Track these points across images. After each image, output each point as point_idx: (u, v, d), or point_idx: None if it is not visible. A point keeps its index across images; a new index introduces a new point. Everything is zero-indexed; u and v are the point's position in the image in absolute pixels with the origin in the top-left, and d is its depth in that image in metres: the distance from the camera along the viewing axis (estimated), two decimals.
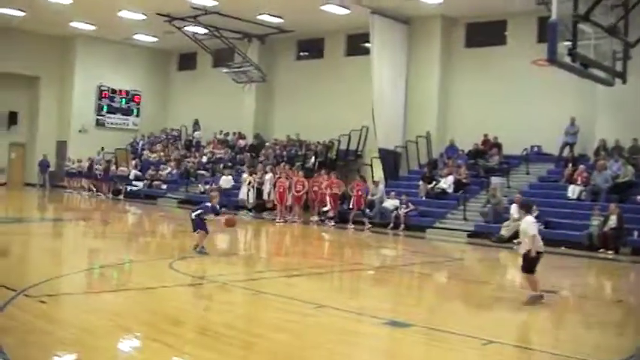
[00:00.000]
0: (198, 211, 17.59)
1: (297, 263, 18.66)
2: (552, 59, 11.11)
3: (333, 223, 29.53)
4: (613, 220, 23.88)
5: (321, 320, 10.89)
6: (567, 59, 11.39)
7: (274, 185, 32.02)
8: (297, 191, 31.01)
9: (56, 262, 16.12)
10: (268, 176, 32.82)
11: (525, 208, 13.88)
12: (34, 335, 8.77)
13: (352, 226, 28.80)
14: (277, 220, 30.51)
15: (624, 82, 13.16)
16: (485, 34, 33.83)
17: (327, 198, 30.26)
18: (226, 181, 35.29)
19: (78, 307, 10.75)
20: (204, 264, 16.73)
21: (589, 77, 12.58)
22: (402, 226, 28.18)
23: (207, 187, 34.27)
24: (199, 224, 17.59)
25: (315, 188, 31.02)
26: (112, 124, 47.22)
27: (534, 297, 12.91)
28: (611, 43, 12.87)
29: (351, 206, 29.74)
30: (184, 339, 9.16)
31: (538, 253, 12.88)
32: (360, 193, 29.74)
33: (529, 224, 13.00)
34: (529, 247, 12.77)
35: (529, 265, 12.96)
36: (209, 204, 17.92)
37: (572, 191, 27.27)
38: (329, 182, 30.61)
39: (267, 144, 40.37)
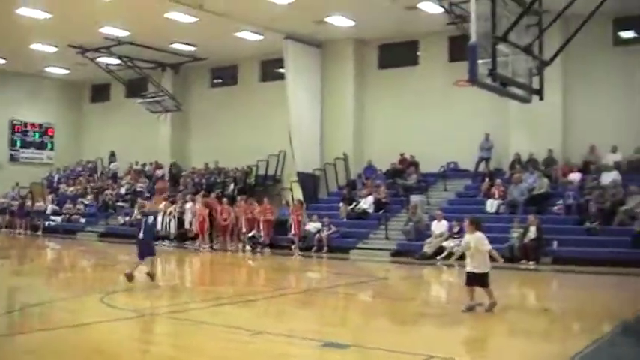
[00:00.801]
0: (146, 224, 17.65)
1: (227, 291, 18.67)
2: (473, 80, 11.45)
3: (260, 249, 29.51)
4: (532, 231, 24.51)
5: (260, 346, 10.95)
6: (487, 79, 11.73)
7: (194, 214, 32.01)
8: (224, 220, 30.92)
9: None
10: (189, 205, 32.74)
11: (475, 225, 14.03)
12: None
13: (280, 251, 28.87)
14: (201, 249, 30.42)
15: (541, 98, 13.64)
16: (398, 55, 34.44)
17: (261, 224, 30.40)
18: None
19: (12, 349, 10.56)
20: (136, 296, 16.67)
21: (508, 95, 12.99)
22: (326, 248, 28.37)
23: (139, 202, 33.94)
24: (147, 249, 17.59)
25: (249, 215, 30.97)
26: (26, 158, 46.48)
27: (491, 304, 13.68)
28: (527, 61, 13.29)
29: (293, 232, 29.76)
30: None
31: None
32: (299, 218, 29.80)
33: (481, 240, 13.49)
34: (489, 263, 13.51)
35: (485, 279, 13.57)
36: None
37: (491, 205, 27.88)
38: (262, 209, 30.70)
39: (183, 173, 40.19)
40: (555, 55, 13.55)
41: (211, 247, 30.64)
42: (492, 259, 13.71)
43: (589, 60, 28.79)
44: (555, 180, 28.20)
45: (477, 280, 13.55)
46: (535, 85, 13.98)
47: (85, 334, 11.64)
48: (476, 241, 13.51)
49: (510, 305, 16.38)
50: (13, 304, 15.70)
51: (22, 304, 15.31)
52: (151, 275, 17.94)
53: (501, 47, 12.23)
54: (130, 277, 17.62)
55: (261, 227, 30.48)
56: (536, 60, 13.31)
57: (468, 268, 13.58)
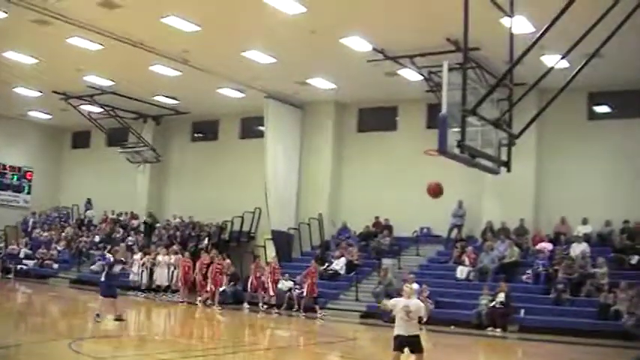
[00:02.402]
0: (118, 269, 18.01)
1: (196, 344, 18.81)
2: (442, 150, 11.78)
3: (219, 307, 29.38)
4: (501, 298, 24.79)
5: None
6: (456, 150, 12.07)
7: (174, 266, 32.10)
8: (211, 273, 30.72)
9: None
10: (162, 257, 32.77)
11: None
12: None
13: (248, 307, 28.93)
14: (180, 301, 30.52)
15: (509, 170, 13.96)
16: (377, 119, 34.97)
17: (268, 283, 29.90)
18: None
19: None
20: (105, 344, 16.79)
21: (476, 166, 13.33)
22: (297, 307, 28.43)
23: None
24: (109, 289, 17.88)
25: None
26: (1, 200, 46.38)
27: None
28: (497, 133, 13.66)
29: (271, 292, 29.46)
30: None
31: None
32: (276, 277, 29.75)
33: (421, 307, 12.95)
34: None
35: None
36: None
37: (461, 272, 28.20)
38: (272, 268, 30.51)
39: (157, 225, 40.30)
40: (525, 129, 13.92)
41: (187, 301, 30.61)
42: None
43: (563, 133, 29.40)
44: (526, 249, 28.56)
45: (410, 343, 12.79)
46: (504, 156, 14.33)
47: None
48: (416, 307, 12.82)
49: None
50: None
51: None
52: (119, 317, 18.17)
53: (473, 120, 12.59)
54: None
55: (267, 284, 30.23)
56: (506, 132, 13.69)
57: (401, 332, 12.77)
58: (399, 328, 12.71)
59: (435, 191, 13.33)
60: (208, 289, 29.79)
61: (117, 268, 18.57)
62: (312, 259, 30.41)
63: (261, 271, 30.14)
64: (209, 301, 29.47)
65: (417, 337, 12.86)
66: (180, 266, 31.56)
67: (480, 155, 13.14)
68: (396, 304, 12.88)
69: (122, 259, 20.81)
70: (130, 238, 38.73)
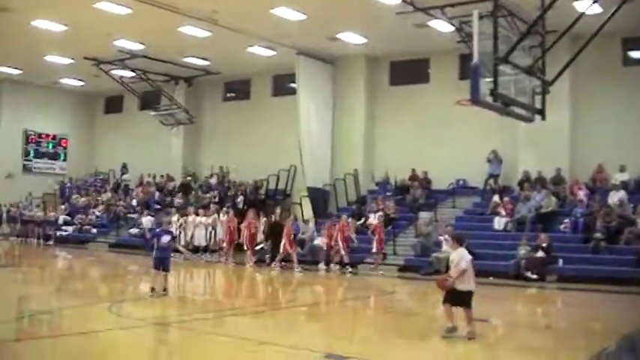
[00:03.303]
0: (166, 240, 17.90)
1: (235, 303, 18.90)
2: (475, 99, 11.64)
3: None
4: (540, 247, 24.61)
5: (262, 356, 11.16)
6: (489, 99, 11.92)
7: (212, 227, 32.17)
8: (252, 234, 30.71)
9: None
10: (200, 218, 32.80)
11: (457, 240, 13.46)
12: None
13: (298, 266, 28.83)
14: (225, 262, 30.69)
15: (543, 118, 13.79)
16: (409, 72, 34.62)
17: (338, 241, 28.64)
18: (148, 222, 35.29)
19: (19, 354, 10.78)
20: (145, 306, 16.91)
21: (510, 115, 13.16)
22: (336, 262, 28.38)
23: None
24: (165, 261, 17.81)
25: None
26: (39, 169, 46.85)
27: (471, 332, 12.79)
28: (530, 81, 13.46)
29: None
30: None
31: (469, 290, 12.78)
32: (346, 234, 28.50)
33: (462, 256, 12.77)
34: (454, 279, 12.73)
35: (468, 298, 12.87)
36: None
37: (498, 222, 28.05)
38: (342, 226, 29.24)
39: (195, 183, 40.48)
40: (558, 75, 13.72)
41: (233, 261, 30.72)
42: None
43: (598, 79, 29.00)
44: (563, 198, 28.31)
45: (459, 299, 12.80)
46: (538, 104, 14.15)
47: (91, 341, 11.85)
48: (457, 256, 12.91)
49: (516, 322, 16.58)
50: (23, 310, 15.91)
51: (31, 311, 15.52)
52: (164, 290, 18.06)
53: (505, 68, 12.42)
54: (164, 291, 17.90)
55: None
56: (540, 80, 13.50)
57: (473, 287, 12.85)
58: None
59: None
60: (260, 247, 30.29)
61: (165, 239, 18.39)
62: (347, 215, 30.37)
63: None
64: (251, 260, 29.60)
65: (466, 293, 12.73)
66: (226, 226, 31.58)
67: (513, 103, 12.98)
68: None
69: (171, 229, 20.71)
70: (176, 200, 38.76)
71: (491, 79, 12.25)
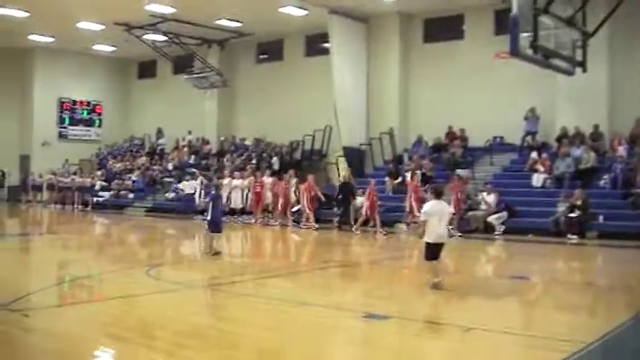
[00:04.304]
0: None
1: (274, 264, 18.87)
2: (514, 52, 11.40)
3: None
4: (576, 207, 24.33)
5: (303, 317, 11.08)
6: (529, 51, 11.66)
7: (248, 189, 32.18)
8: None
9: (33, 276, 16.14)
10: (236, 181, 32.74)
11: (432, 192, 13.66)
12: (19, 347, 8.94)
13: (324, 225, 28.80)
14: (254, 222, 30.86)
15: (584, 70, 13.54)
16: (443, 29, 34.19)
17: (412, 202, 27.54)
18: (187, 186, 35.31)
19: (61, 319, 10.78)
20: (181, 269, 16.95)
21: (550, 67, 12.94)
22: (372, 222, 28.25)
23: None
24: (216, 225, 18.19)
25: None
26: (74, 135, 47.16)
27: (435, 283, 12.96)
28: (571, 33, 13.18)
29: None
30: (172, 343, 9.28)
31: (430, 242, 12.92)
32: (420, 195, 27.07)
33: (423, 209, 13.14)
34: (420, 232, 13.06)
35: (426, 252, 13.04)
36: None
37: (537, 179, 27.75)
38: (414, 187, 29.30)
39: (232, 147, 40.54)
40: (599, 27, 13.45)
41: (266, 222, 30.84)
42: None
43: (635, 32, 28.36)
44: (602, 154, 27.91)
45: (439, 251, 13.03)
46: (579, 57, 13.85)
47: (131, 305, 11.85)
48: (445, 210, 13.22)
49: (555, 279, 16.40)
50: (62, 276, 15.98)
51: (71, 277, 15.58)
52: (217, 252, 18.25)
53: (545, 20, 12.14)
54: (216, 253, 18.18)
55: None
56: (580, 32, 13.19)
57: (434, 239, 12.95)
58: (432, 236, 12.99)
59: None
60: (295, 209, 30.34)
61: (222, 201, 18.64)
62: (385, 174, 30.25)
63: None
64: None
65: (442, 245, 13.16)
66: (253, 189, 31.63)
67: (554, 55, 12.70)
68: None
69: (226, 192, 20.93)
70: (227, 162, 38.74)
71: (529, 34, 11.98)
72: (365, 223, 27.42)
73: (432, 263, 13.08)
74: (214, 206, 18.45)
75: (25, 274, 16.45)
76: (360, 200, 28.70)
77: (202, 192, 33.03)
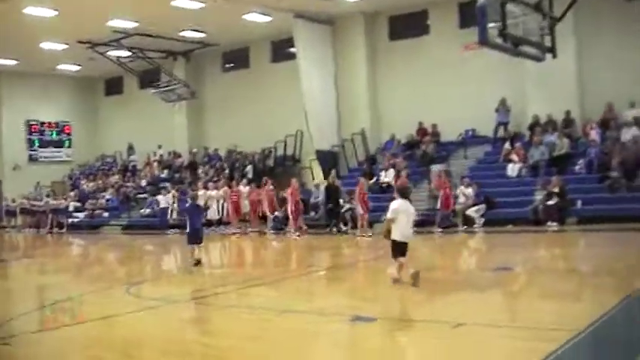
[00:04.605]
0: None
1: (253, 273, 18.67)
2: (484, 42, 11.29)
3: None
4: (555, 194, 24.30)
5: (288, 325, 10.88)
6: (498, 40, 11.55)
7: (223, 199, 32.00)
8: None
9: (11, 302, 15.84)
10: (210, 192, 32.58)
11: (397, 191, 13.92)
12: None
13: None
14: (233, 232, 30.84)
15: (554, 56, 13.48)
16: (408, 25, 34.16)
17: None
18: (163, 200, 35.05)
19: (43, 345, 10.52)
20: (160, 285, 16.73)
21: (520, 55, 12.86)
22: (350, 224, 28.15)
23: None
24: (200, 234, 18.41)
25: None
26: (45, 157, 46.80)
27: (395, 279, 13.20)
28: (538, 19, 13.09)
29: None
30: None
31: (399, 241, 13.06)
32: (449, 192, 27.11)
33: (390, 209, 13.16)
34: (383, 230, 13.39)
35: (394, 250, 13.18)
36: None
37: (512, 169, 27.80)
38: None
39: (205, 158, 40.34)
40: (566, 11, 13.39)
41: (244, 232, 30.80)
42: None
43: (601, 16, 28.35)
44: (576, 139, 27.93)
45: (405, 249, 13.16)
46: (547, 43, 13.77)
47: (111, 325, 11.61)
48: (411, 210, 13.38)
49: (538, 267, 16.32)
50: (43, 300, 15.68)
51: (50, 301, 15.27)
52: (198, 261, 18.18)
53: (512, 7, 12.04)
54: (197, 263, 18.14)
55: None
56: (547, 17, 13.10)
57: (402, 238, 13.11)
58: (401, 234, 13.09)
59: None
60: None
61: (200, 214, 18.55)
62: (359, 175, 30.17)
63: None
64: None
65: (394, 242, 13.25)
66: (229, 198, 31.49)
67: (523, 42, 12.60)
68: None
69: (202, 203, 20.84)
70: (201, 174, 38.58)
71: (497, 23, 11.88)
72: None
73: (399, 260, 13.13)
74: (191, 217, 18.31)
75: (2, 300, 16.14)
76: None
77: (176, 206, 33.14)
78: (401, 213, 13.01)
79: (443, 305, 12.03)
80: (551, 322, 9.63)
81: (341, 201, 28.89)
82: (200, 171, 38.70)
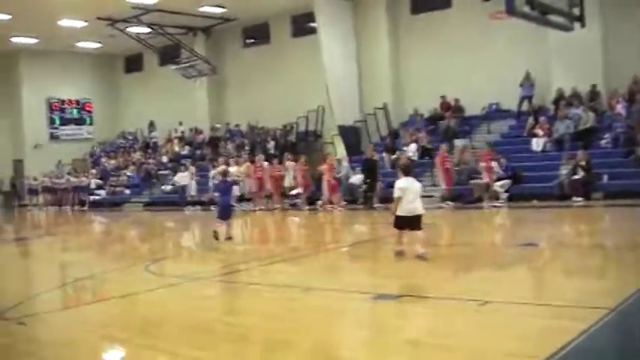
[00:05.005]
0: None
1: (277, 249, 18.45)
2: (511, 10, 10.92)
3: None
4: (581, 167, 23.95)
5: (312, 302, 10.67)
6: (525, 8, 11.19)
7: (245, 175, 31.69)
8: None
9: (30, 281, 15.74)
10: (232, 168, 32.40)
11: (401, 170, 14.36)
12: (16, 358, 8.50)
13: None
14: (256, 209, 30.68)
15: (583, 25, 13.11)
16: None
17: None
18: (182, 177, 34.87)
19: (59, 324, 10.34)
20: (181, 262, 16.59)
21: (548, 24, 12.48)
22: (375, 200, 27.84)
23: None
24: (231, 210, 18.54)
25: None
26: (66, 135, 46.82)
27: (398, 252, 13.80)
28: None
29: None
30: (177, 340, 8.85)
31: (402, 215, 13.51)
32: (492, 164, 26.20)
33: (396, 185, 13.61)
34: (393, 207, 13.66)
35: (396, 222, 13.68)
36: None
37: (537, 144, 27.40)
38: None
39: (227, 134, 40.17)
40: None
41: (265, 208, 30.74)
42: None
43: None
44: (601, 113, 27.49)
45: (403, 223, 13.60)
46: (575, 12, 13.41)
47: (131, 304, 11.43)
48: (417, 188, 13.70)
49: (563, 243, 16.04)
50: (63, 278, 15.54)
51: (68, 279, 15.16)
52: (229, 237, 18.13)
53: None
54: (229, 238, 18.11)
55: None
56: None
57: (405, 213, 13.48)
58: (405, 209, 13.57)
59: None
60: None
61: (234, 189, 18.77)
62: (382, 150, 29.92)
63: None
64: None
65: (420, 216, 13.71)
66: (253, 174, 31.28)
67: (550, 11, 12.22)
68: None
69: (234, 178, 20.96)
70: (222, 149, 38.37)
71: None
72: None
73: (399, 232, 13.79)
74: (222, 193, 18.41)
75: (22, 279, 16.05)
76: (355, 178, 28.42)
77: (194, 182, 33.60)
78: (407, 190, 13.41)
79: (466, 282, 11.80)
80: (586, 300, 9.32)
81: (354, 177, 28.65)
82: (221, 147, 38.47)
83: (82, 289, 13.62)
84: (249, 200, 31.74)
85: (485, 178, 25.57)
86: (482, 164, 25.80)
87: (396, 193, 13.48)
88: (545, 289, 11.04)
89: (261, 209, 30.62)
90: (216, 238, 17.87)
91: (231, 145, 37.98)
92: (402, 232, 13.73)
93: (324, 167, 29.32)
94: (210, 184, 31.73)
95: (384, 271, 13.52)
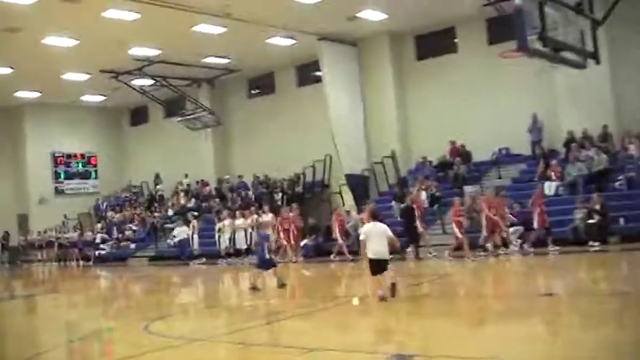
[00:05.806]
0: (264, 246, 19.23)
1: (280, 305, 17.74)
2: (523, 47, 10.35)
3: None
4: (595, 212, 23.33)
5: None
6: (537, 45, 10.63)
7: (252, 228, 30.94)
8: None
9: (29, 341, 15.01)
10: (239, 220, 31.98)
11: (370, 215, 15.92)
12: None
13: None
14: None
15: (598, 62, 12.58)
16: (435, 44, 33.57)
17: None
18: (181, 231, 34.30)
19: None
20: (183, 321, 15.91)
21: (561, 62, 11.93)
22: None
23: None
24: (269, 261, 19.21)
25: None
26: (71, 189, 46.39)
27: (380, 297, 14.44)
28: (578, 26, 12.19)
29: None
30: None
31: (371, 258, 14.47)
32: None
33: (361, 232, 15.17)
34: (362, 252, 14.92)
35: (370, 268, 14.61)
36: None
37: (549, 188, 26.77)
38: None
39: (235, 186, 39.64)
40: (608, 13, 12.47)
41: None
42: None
43: (634, 21, 27.22)
44: (614, 154, 26.91)
45: (382, 266, 14.42)
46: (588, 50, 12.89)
47: None
48: (381, 230, 14.62)
49: (581, 290, 15.37)
50: (59, 338, 14.86)
51: (73, 338, 14.56)
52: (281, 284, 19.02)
53: (549, 11, 11.12)
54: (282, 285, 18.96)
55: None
56: (588, 20, 12.21)
57: (374, 255, 14.43)
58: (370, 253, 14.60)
59: None
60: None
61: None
62: (390, 199, 29.35)
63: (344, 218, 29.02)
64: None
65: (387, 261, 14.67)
66: (280, 225, 30.48)
67: (564, 48, 11.66)
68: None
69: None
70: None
71: (535, 30, 10.97)
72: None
73: (376, 277, 14.63)
74: (261, 246, 19.37)
75: (22, 338, 15.32)
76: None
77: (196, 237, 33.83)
78: (370, 233, 14.60)
79: (480, 338, 11.11)
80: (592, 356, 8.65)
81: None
82: (229, 199, 38.00)
83: (79, 350, 13.03)
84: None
85: (538, 226, 24.48)
86: (536, 209, 24.29)
87: (361, 237, 14.88)
88: (557, 343, 10.30)
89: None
90: (282, 286, 18.87)
91: (237, 198, 37.45)
92: (376, 277, 14.56)
93: (334, 217, 28.82)
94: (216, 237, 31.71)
95: (395, 327, 12.86)
